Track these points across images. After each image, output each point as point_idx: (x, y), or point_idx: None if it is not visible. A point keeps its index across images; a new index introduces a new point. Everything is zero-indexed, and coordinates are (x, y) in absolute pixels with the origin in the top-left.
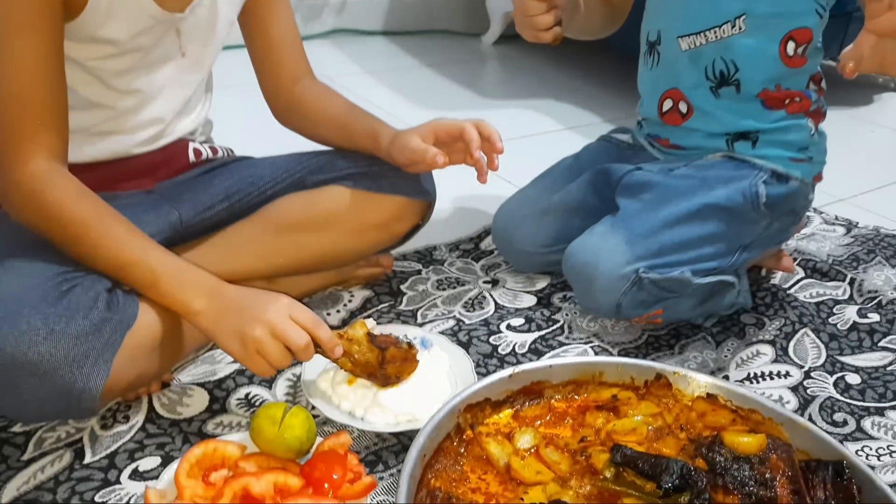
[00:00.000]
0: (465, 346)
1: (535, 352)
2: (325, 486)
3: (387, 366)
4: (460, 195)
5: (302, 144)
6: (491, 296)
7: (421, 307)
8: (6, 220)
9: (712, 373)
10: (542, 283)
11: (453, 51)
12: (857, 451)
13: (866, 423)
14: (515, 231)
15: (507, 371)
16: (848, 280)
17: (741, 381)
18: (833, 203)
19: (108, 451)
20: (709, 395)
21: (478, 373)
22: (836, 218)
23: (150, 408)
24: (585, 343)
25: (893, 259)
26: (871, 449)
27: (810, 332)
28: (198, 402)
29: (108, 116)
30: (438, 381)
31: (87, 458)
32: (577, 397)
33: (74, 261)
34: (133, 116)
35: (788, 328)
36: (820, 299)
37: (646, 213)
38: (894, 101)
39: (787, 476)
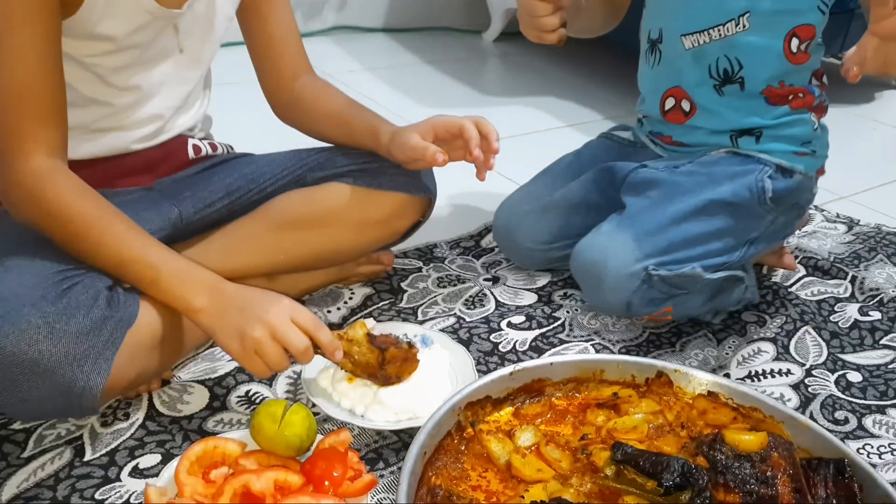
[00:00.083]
0: (466, 343)
1: (536, 349)
2: (326, 483)
3: (387, 366)
4: (461, 193)
5: (302, 141)
6: (492, 293)
7: (422, 305)
8: (6, 218)
9: (713, 370)
10: (542, 281)
11: (454, 48)
12: (858, 450)
13: (867, 421)
14: (517, 227)
15: (507, 369)
16: (849, 278)
17: (742, 378)
18: (834, 201)
19: (109, 449)
20: (710, 393)
21: (478, 370)
22: (838, 216)
23: (151, 405)
24: (586, 341)
25: (895, 257)
26: (872, 447)
27: (812, 330)
28: (198, 399)
29: (107, 113)
30: (439, 378)
31: (88, 456)
32: (577, 395)
33: (75, 259)
34: (132, 113)
35: (790, 326)
36: (821, 297)
37: (653, 211)
38: None
39: (788, 474)
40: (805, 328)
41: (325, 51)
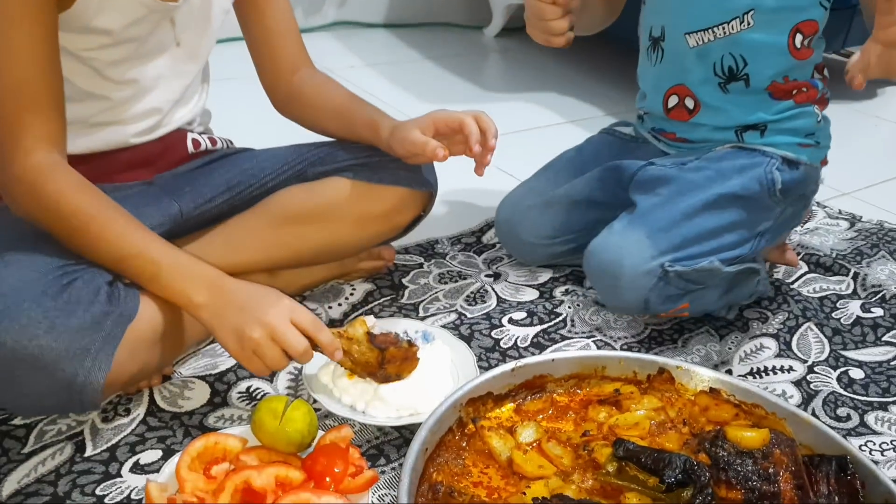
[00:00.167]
0: (467, 339)
1: (538, 346)
2: (327, 479)
3: (387, 365)
4: (462, 189)
5: (302, 136)
6: (493, 289)
7: (423, 301)
8: (6, 214)
9: (715, 367)
10: (544, 277)
11: (455, 44)
12: (860, 446)
13: (870, 418)
14: (519, 222)
15: (509, 365)
16: (851, 274)
17: (744, 375)
18: (836, 197)
19: (109, 444)
20: (712, 390)
21: (480, 367)
22: (840, 212)
23: (152, 401)
24: (588, 337)
25: None
26: (874, 444)
27: (814, 327)
28: (199, 395)
29: (105, 107)
30: (440, 375)
31: (88, 451)
32: (579, 391)
33: (75, 254)
34: (130, 107)
35: (792, 322)
36: (823, 294)
37: (664, 207)
38: None
39: (790, 471)
40: (807, 325)
41: (326, 46)
